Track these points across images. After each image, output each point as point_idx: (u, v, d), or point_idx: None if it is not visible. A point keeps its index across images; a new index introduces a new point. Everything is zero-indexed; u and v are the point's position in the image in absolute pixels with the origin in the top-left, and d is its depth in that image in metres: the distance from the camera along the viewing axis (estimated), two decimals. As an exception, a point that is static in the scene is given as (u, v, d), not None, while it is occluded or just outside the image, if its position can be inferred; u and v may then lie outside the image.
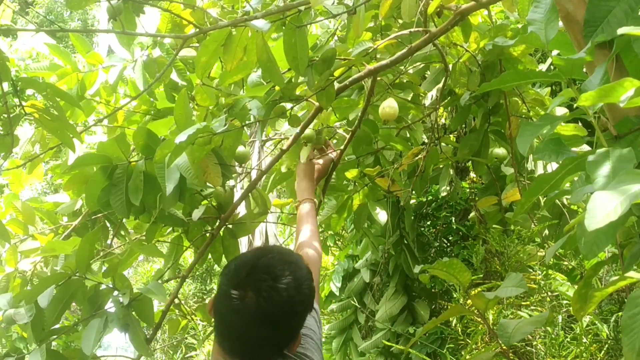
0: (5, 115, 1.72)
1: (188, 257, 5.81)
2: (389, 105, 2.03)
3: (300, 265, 1.24)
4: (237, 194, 2.08)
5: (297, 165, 2.11)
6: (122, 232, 2.17)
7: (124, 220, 2.13)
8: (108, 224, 2.18)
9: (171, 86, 2.09)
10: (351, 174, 2.38)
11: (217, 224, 2.01)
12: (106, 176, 1.77)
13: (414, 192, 2.78)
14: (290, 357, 1.29)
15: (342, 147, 2.19)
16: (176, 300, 2.03)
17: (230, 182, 2.09)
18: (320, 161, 2.12)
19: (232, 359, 1.21)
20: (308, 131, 2.04)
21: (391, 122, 2.15)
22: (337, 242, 4.72)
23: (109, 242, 2.22)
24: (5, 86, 1.66)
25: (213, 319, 1.24)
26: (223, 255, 2.13)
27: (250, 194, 2.09)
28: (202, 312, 2.29)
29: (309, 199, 1.94)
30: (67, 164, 2.23)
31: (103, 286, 1.83)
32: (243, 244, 6.23)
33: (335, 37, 2.23)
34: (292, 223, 2.51)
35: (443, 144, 2.43)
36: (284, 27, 1.71)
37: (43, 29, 1.80)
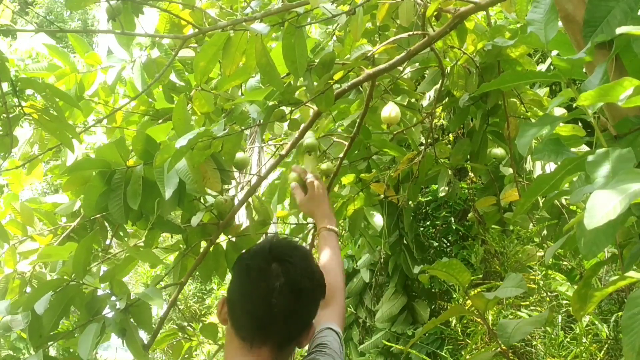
0: (5, 116, 1.72)
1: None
2: (392, 110, 1.99)
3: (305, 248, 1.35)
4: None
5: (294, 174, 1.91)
6: (121, 233, 2.16)
7: (124, 221, 2.12)
8: (107, 225, 2.18)
9: (170, 87, 2.09)
10: (347, 179, 2.36)
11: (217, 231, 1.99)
12: (104, 181, 1.75)
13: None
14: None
15: (341, 155, 2.12)
16: (181, 321, 2.00)
17: (232, 192, 2.06)
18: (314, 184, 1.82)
19: (249, 345, 1.18)
20: (311, 140, 1.95)
21: (393, 127, 2.13)
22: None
23: (108, 242, 2.21)
24: (5, 86, 1.66)
25: (227, 317, 1.23)
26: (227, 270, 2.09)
27: (252, 205, 2.06)
28: (207, 331, 2.22)
29: (331, 228, 1.72)
30: (66, 164, 2.23)
31: (100, 292, 1.81)
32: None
33: (334, 38, 2.22)
34: (296, 234, 2.44)
35: (439, 148, 2.42)
36: (282, 28, 1.70)
37: (42, 29, 1.80)
